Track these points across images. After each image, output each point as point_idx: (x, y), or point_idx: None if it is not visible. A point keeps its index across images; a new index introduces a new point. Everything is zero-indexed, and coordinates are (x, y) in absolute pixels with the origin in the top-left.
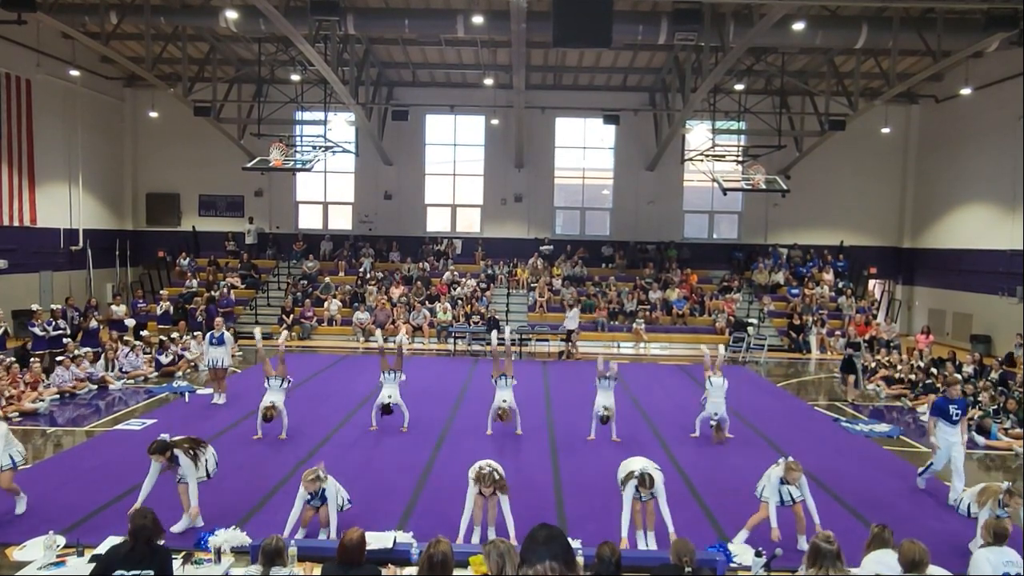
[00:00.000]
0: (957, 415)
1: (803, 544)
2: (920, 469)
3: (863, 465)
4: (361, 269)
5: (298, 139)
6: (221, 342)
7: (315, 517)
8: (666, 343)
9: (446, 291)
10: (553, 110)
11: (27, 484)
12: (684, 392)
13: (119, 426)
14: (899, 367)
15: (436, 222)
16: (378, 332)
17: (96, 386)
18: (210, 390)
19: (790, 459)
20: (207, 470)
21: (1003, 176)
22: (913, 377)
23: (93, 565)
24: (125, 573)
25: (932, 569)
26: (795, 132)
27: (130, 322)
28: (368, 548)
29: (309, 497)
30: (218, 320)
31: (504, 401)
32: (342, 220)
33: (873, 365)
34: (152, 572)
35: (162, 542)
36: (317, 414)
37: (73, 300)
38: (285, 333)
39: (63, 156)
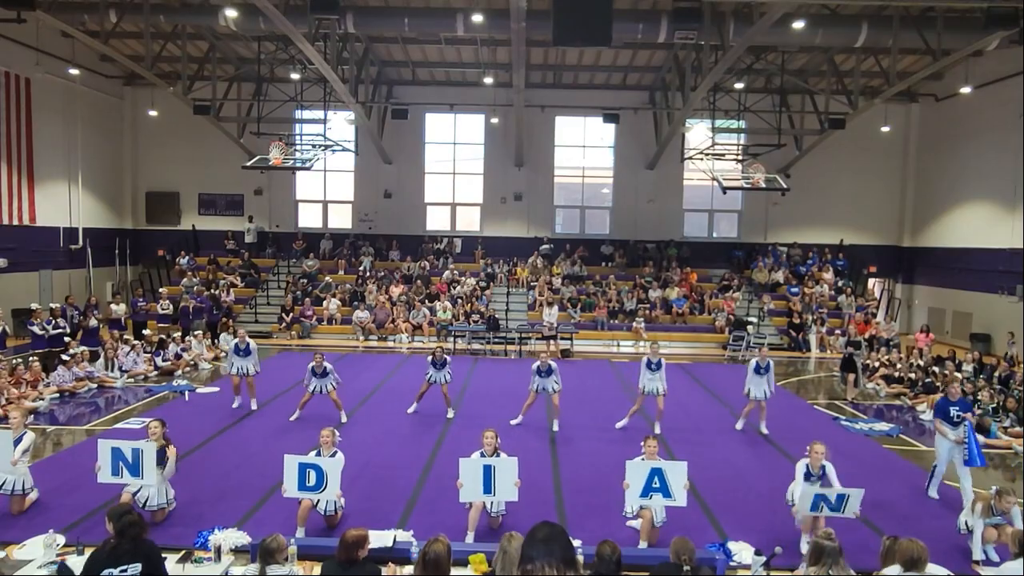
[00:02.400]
0: (958, 417)
1: (804, 546)
2: (928, 482)
3: (862, 464)
4: (361, 268)
5: (298, 138)
6: (248, 352)
7: (313, 512)
8: (666, 342)
9: (446, 290)
10: (553, 108)
11: None
12: (684, 390)
13: (119, 424)
14: (899, 366)
15: (436, 221)
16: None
17: (96, 385)
18: (212, 389)
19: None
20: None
21: (1003, 175)
22: (913, 376)
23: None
24: (113, 571)
25: (931, 568)
26: (795, 131)
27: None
28: (368, 547)
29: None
30: (241, 332)
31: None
32: (342, 219)
33: (876, 364)
34: (140, 566)
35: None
36: (316, 413)
37: (73, 299)
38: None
39: (62, 155)
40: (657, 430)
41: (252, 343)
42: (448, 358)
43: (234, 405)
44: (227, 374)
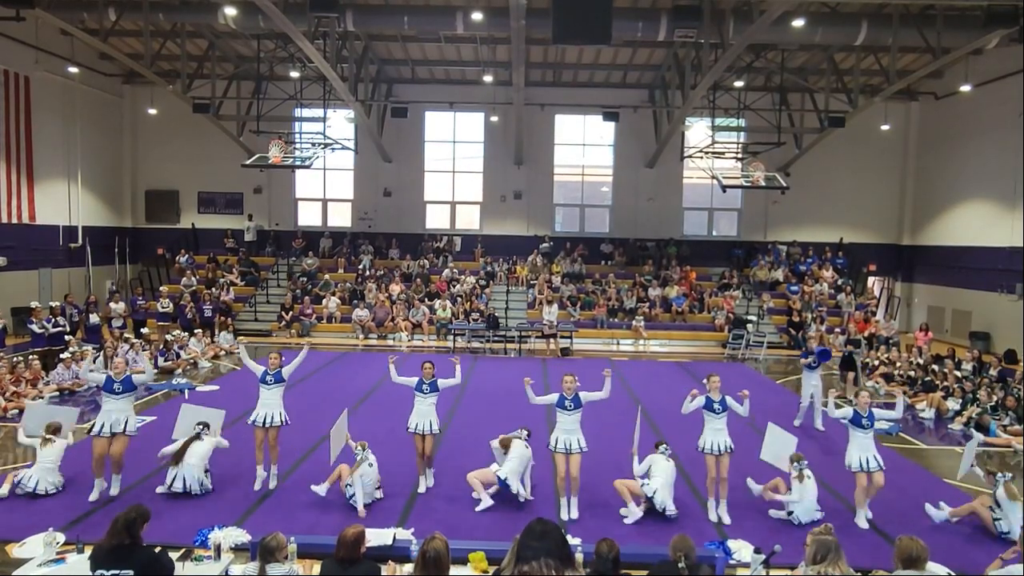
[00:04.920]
0: (814, 363)
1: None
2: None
3: None
4: (360, 266)
5: (297, 136)
6: (128, 389)
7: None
8: (665, 340)
9: (445, 288)
10: (552, 107)
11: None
12: (683, 389)
13: None
14: (898, 364)
15: (435, 219)
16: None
17: (95, 384)
18: (211, 387)
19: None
20: None
21: (1003, 173)
22: (912, 374)
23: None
24: (104, 573)
25: (931, 567)
26: (795, 129)
27: (116, 323)
28: (368, 545)
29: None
30: (119, 360)
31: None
32: (341, 217)
33: (876, 363)
34: (132, 572)
35: (132, 539)
36: (316, 411)
37: (72, 297)
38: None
39: (62, 153)
40: (718, 516)
41: (138, 376)
42: (437, 380)
43: (91, 497)
44: (92, 435)
